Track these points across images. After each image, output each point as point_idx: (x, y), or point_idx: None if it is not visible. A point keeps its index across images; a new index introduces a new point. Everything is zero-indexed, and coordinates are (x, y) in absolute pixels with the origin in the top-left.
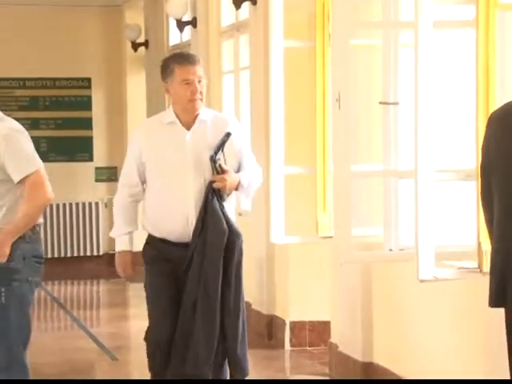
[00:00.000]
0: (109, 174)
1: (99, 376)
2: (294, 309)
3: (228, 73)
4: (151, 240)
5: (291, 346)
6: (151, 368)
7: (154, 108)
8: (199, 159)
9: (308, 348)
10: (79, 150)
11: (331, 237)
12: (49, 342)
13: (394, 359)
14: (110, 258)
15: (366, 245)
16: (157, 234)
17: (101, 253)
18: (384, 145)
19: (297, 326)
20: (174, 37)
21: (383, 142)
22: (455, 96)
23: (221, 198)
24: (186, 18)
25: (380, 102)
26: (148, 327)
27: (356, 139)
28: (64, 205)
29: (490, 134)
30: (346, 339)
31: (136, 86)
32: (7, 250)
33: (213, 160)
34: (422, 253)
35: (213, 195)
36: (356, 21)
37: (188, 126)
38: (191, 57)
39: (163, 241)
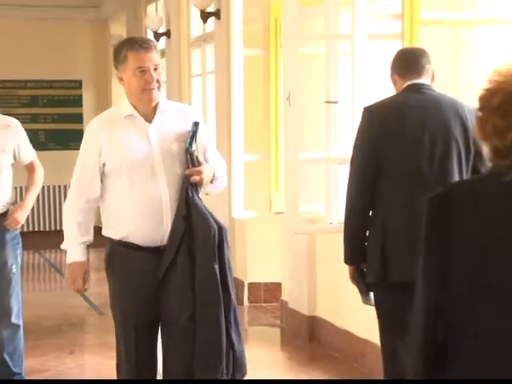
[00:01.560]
0: None
1: (89, 327)
2: (251, 272)
3: (196, 76)
4: (114, 246)
5: (249, 302)
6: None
7: None
8: (166, 152)
9: (263, 304)
10: (72, 140)
11: (282, 212)
12: (47, 300)
13: (333, 313)
14: (97, 229)
15: (311, 219)
16: (123, 239)
17: None
18: (326, 136)
19: (253, 287)
20: None
21: (326, 134)
22: (385, 96)
23: (198, 193)
24: (162, 30)
25: (324, 101)
26: (117, 352)
27: (303, 131)
28: (59, 186)
29: (378, 120)
30: (294, 297)
31: (119, 86)
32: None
33: (189, 152)
34: None
35: (192, 191)
36: (303, 33)
37: (148, 118)
38: (146, 41)
39: (129, 246)
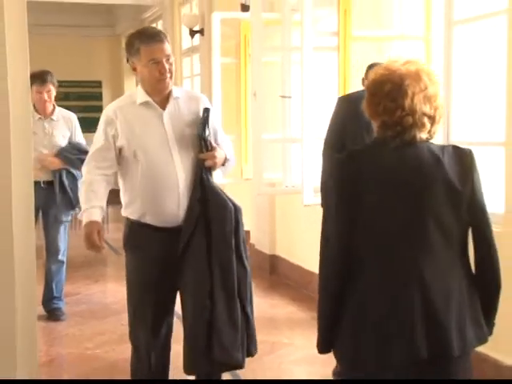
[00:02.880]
0: None
1: (109, 263)
2: None
3: (186, 78)
4: (132, 226)
5: None
6: (136, 369)
7: None
8: (180, 137)
9: None
10: (94, 126)
11: (250, 179)
12: (77, 243)
13: (288, 252)
14: (115, 192)
15: (271, 183)
16: (140, 219)
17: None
18: (282, 122)
19: None
20: None
21: (282, 120)
22: (327, 93)
23: (211, 176)
24: None
25: (280, 96)
26: (131, 327)
27: (265, 118)
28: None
29: (347, 112)
30: (259, 241)
31: (129, 85)
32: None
33: (202, 137)
34: (306, 188)
35: (206, 174)
36: (266, 46)
37: (162, 105)
38: (158, 34)
39: (147, 226)
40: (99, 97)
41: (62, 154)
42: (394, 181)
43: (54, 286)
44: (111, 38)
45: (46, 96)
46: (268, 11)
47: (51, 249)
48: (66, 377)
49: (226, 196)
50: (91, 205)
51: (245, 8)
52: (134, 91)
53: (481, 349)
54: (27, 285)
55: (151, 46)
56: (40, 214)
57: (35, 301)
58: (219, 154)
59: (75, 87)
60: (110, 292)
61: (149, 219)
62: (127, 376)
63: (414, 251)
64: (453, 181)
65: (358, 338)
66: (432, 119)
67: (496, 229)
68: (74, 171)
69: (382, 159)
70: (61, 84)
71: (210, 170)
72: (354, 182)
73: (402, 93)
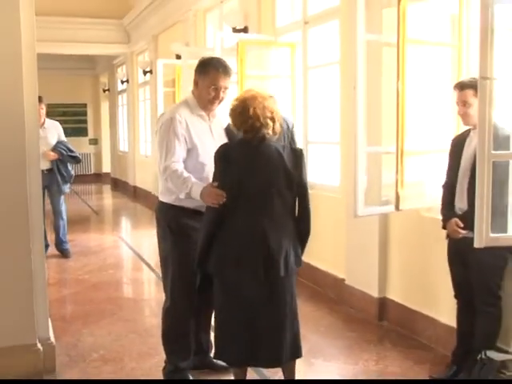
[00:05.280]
0: (94, 142)
1: (92, 220)
2: None
3: (141, 101)
4: (182, 210)
5: None
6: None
7: (112, 116)
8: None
9: None
10: (82, 132)
11: None
12: (71, 208)
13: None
14: (96, 175)
15: None
16: (191, 207)
17: (92, 172)
18: None
19: None
20: (120, 87)
21: None
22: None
23: None
24: (125, 78)
25: None
26: (173, 309)
27: None
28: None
29: None
30: None
31: (104, 107)
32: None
33: None
34: None
35: None
36: (191, 81)
37: (208, 118)
38: (227, 69)
39: (195, 211)
40: (84, 113)
41: (56, 149)
42: (253, 166)
43: (61, 235)
44: (92, 77)
45: (40, 111)
46: (194, 59)
47: (55, 211)
48: (66, 292)
49: None
50: (192, 183)
51: (178, 57)
52: (184, 101)
53: (326, 269)
54: (37, 234)
55: (219, 75)
56: (45, 190)
57: (42, 244)
58: None
59: (69, 107)
60: (92, 239)
61: (197, 207)
62: (104, 292)
63: (262, 213)
64: (289, 167)
65: (223, 261)
66: (272, 120)
67: (335, 195)
68: (64, 160)
69: (246, 152)
70: (60, 106)
71: None
72: (227, 165)
73: (246, 108)
